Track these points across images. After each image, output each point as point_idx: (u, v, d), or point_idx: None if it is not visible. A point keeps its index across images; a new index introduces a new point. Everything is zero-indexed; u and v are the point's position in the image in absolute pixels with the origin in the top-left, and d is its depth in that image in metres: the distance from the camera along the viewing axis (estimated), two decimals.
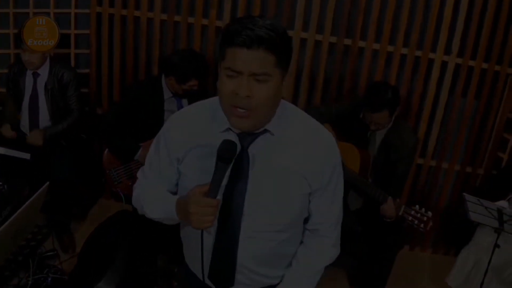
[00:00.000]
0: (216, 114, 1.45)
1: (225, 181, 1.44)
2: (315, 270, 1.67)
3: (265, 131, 1.46)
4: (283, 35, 1.34)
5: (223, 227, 1.52)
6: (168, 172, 1.59)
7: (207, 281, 1.66)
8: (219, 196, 1.43)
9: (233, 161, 1.40)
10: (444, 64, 3.42)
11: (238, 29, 1.30)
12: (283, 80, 1.40)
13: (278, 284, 1.68)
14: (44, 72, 3.23)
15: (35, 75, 3.23)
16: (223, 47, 1.34)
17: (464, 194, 2.73)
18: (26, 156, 2.99)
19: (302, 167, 1.47)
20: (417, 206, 2.71)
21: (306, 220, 1.64)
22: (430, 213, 2.66)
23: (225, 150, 1.37)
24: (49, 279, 2.72)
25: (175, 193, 1.63)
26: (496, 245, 2.71)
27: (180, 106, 3.07)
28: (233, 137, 1.44)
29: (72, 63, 3.72)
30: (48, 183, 2.39)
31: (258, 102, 1.34)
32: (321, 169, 1.50)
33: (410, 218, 2.69)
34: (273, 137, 1.46)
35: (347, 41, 3.42)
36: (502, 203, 2.81)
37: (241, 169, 1.46)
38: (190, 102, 2.93)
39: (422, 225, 2.65)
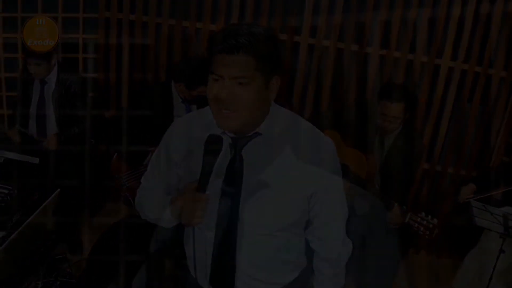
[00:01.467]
0: (213, 120, 1.48)
1: (220, 184, 1.49)
2: (337, 272, 1.72)
3: (257, 134, 1.48)
4: (266, 40, 1.37)
5: (220, 231, 1.54)
6: (168, 176, 1.62)
7: (205, 285, 1.68)
8: (216, 201, 1.49)
9: (219, 154, 1.43)
10: (450, 70, 3.43)
11: (221, 37, 1.35)
12: (269, 83, 1.42)
13: None
14: (51, 80, 3.22)
15: (43, 84, 3.23)
16: (209, 54, 1.40)
17: (471, 200, 2.75)
18: (35, 160, 3.01)
19: (296, 170, 1.48)
20: (423, 213, 2.72)
21: (310, 226, 1.65)
22: (436, 220, 2.66)
23: (210, 143, 1.42)
24: (58, 282, 2.73)
25: None
26: (502, 251, 2.73)
27: (189, 112, 3.09)
28: (227, 140, 1.47)
29: (80, 67, 3.74)
30: (59, 190, 2.42)
31: (241, 104, 1.38)
32: (317, 172, 1.50)
33: (416, 225, 2.70)
34: (266, 140, 1.48)
35: (354, 47, 3.44)
36: (508, 209, 2.83)
37: (235, 172, 1.49)
38: (199, 108, 2.94)
39: (428, 233, 2.67)
